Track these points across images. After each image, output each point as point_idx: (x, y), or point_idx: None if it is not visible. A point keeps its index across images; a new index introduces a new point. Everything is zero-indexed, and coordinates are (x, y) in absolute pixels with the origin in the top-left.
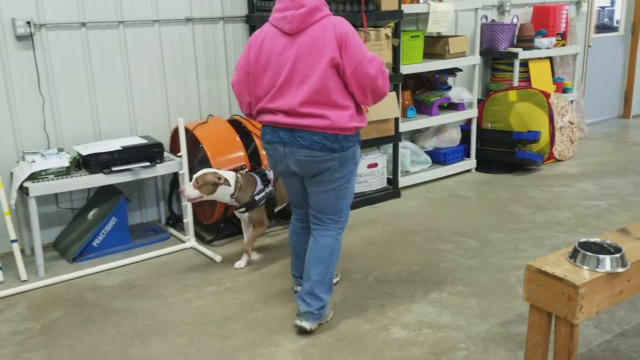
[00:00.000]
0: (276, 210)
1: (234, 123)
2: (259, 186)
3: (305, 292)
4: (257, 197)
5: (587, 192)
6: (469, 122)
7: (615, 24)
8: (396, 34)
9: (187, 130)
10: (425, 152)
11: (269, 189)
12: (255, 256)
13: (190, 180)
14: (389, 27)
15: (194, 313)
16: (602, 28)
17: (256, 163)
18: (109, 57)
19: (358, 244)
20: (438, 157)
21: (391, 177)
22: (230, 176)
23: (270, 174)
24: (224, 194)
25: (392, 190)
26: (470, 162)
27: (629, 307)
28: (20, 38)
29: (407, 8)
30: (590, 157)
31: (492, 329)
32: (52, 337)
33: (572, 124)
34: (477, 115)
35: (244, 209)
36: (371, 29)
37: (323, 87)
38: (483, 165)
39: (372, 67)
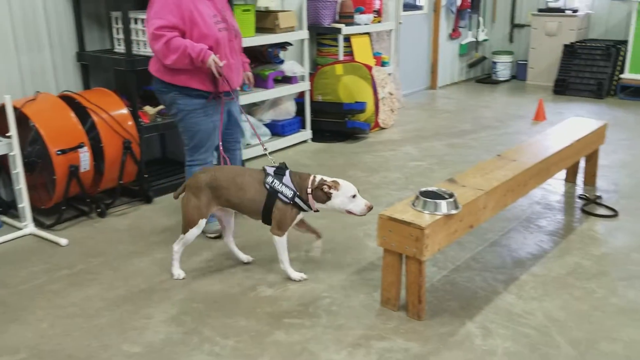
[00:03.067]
0: None
1: (66, 99)
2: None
3: None
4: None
5: (410, 154)
6: (301, 94)
7: (419, 3)
8: None
9: (14, 108)
10: (264, 124)
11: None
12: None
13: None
14: None
15: (50, 297)
16: (409, 7)
17: (96, 141)
18: None
19: None
20: (276, 129)
21: None
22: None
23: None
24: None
25: None
26: (307, 133)
27: (458, 247)
28: None
29: None
30: (408, 124)
31: (349, 277)
32: None
33: (392, 94)
34: (309, 88)
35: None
36: None
37: None
38: (318, 135)
39: (148, 32)
